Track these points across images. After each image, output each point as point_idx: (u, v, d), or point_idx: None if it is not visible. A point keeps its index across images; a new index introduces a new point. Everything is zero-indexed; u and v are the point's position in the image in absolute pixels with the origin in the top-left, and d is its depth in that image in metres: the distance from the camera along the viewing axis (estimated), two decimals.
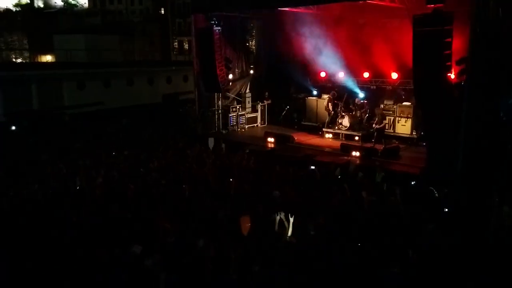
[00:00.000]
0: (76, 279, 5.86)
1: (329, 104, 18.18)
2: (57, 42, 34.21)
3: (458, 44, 11.58)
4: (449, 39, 11.25)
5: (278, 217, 7.20)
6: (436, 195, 9.75)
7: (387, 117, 16.51)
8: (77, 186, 10.53)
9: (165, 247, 6.76)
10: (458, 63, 11.54)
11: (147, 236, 7.25)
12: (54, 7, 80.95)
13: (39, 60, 45.82)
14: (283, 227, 7.30)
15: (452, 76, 11.81)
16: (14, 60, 49.15)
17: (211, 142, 13.96)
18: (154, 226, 7.68)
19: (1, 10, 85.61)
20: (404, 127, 16.32)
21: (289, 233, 6.95)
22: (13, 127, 22.19)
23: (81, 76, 28.00)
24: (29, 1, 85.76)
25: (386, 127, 16.15)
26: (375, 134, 15.52)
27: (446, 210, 8.89)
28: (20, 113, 24.08)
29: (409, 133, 16.19)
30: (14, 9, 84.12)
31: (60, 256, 6.69)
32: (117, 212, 8.54)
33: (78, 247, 6.89)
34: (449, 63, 11.43)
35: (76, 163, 12.85)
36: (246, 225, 6.20)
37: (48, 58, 46.07)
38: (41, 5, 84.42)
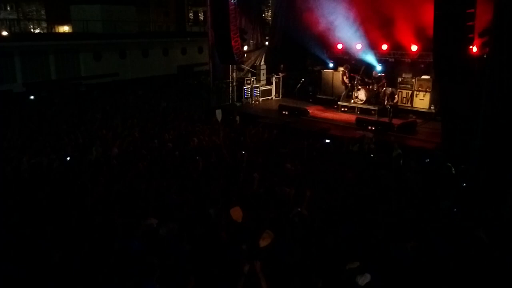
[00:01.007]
0: (92, 245, 5.97)
1: (345, 77, 17.91)
2: (74, 12, 34.11)
3: (482, 16, 11.17)
4: (472, 10, 10.83)
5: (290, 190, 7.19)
6: (453, 171, 9.63)
7: (404, 91, 16.27)
8: (93, 156, 10.66)
9: (179, 217, 6.83)
10: (481, 35, 11.15)
11: (161, 206, 7.33)
12: None
13: (57, 31, 45.94)
14: (295, 199, 7.32)
15: (474, 49, 11.44)
16: (32, 30, 49.36)
17: (218, 113, 13.80)
18: (168, 197, 7.76)
19: None
20: (422, 101, 16.01)
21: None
22: (31, 97, 22.47)
23: (97, 47, 28.03)
24: None
25: (402, 102, 16.08)
26: (389, 111, 15.35)
27: (464, 185, 8.78)
28: (38, 83, 24.34)
29: (427, 107, 15.89)
30: None
31: (78, 223, 6.82)
32: (131, 182, 8.64)
33: (95, 214, 7.02)
34: (471, 35, 11.04)
35: (93, 133, 13.01)
36: (237, 214, 6.15)
37: (65, 28, 46.15)
38: None
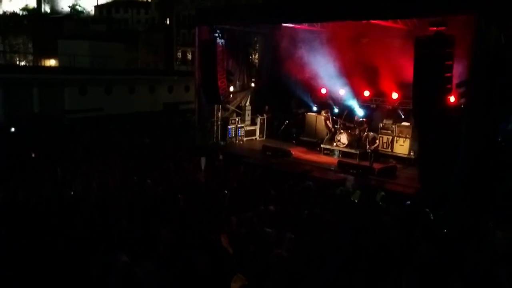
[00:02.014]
0: (67, 284, 5.81)
1: (328, 121, 18.26)
2: (61, 47, 34.41)
3: (459, 68, 11.67)
4: (450, 62, 11.34)
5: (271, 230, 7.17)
6: (431, 217, 9.73)
7: (385, 136, 16.62)
8: (72, 191, 10.49)
9: (158, 256, 6.72)
10: (458, 86, 11.60)
11: (141, 244, 7.21)
12: (60, 13, 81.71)
13: (43, 64, 46.08)
14: (275, 241, 7.29)
15: (452, 99, 11.86)
16: (17, 63, 49.44)
17: (202, 161, 13.72)
18: (148, 234, 7.65)
19: (8, 13, 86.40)
20: (402, 147, 16.33)
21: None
22: (13, 129, 22.19)
23: (83, 82, 28.11)
24: (36, 6, 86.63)
25: (383, 147, 16.42)
26: (370, 156, 15.62)
27: (444, 231, 8.87)
28: (20, 116, 24.09)
29: (406, 153, 16.20)
30: (20, 12, 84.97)
31: (53, 262, 6.64)
32: (112, 220, 8.50)
33: (71, 253, 6.84)
34: (449, 86, 11.49)
35: (73, 169, 12.85)
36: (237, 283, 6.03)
37: (52, 62, 46.35)
38: (48, 10, 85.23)
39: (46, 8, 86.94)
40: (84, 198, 9.98)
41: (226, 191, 10.44)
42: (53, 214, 8.84)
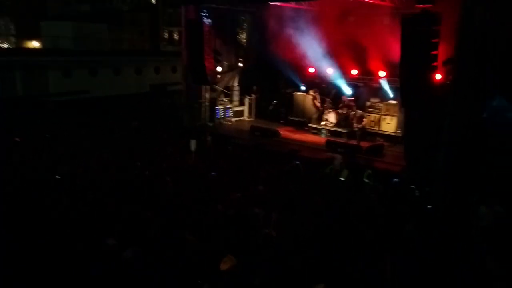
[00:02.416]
0: (53, 268, 5.80)
1: (315, 100, 18.24)
2: (44, 28, 33.61)
3: (445, 45, 11.66)
4: (436, 40, 11.31)
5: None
6: (417, 193, 9.87)
7: (372, 115, 16.66)
8: (57, 174, 10.40)
9: (145, 240, 6.72)
10: (445, 63, 11.61)
11: (128, 227, 7.20)
12: None
13: (26, 46, 45.13)
14: (264, 221, 7.34)
15: (438, 76, 11.89)
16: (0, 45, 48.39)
17: (193, 144, 13.58)
18: (136, 217, 7.63)
19: None
20: (389, 125, 16.42)
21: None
22: None
23: (67, 64, 27.61)
24: None
25: (370, 125, 16.47)
26: (358, 134, 15.70)
27: (429, 207, 9.00)
28: (3, 99, 23.68)
29: (394, 131, 16.30)
30: None
31: (37, 245, 6.61)
32: (98, 202, 8.46)
33: (56, 236, 6.81)
34: (435, 64, 11.50)
35: (59, 152, 12.72)
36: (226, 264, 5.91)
37: (35, 44, 45.39)
38: None
39: None
40: (70, 182, 9.89)
41: (213, 173, 10.43)
42: (38, 196, 8.77)
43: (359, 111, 16.95)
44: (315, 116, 18.12)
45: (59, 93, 26.35)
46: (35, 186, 9.57)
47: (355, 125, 16.55)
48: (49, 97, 25.94)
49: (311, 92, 18.59)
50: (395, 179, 11.02)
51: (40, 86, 26.11)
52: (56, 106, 24.71)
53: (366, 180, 11.10)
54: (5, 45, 48.48)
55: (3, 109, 21.84)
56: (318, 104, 18.27)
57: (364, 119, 16.69)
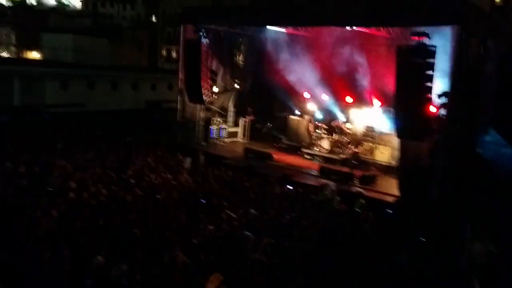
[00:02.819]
0: (41, 281, 5.72)
1: (310, 125, 18.35)
2: (45, 40, 33.80)
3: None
4: (430, 72, 11.52)
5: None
6: (410, 225, 9.86)
7: (366, 143, 16.75)
8: (50, 186, 10.33)
9: (133, 257, 6.67)
10: (440, 96, 11.77)
11: (117, 243, 7.14)
12: (46, 6, 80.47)
13: (25, 57, 45.25)
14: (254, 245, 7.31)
15: (433, 109, 12.03)
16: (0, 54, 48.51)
17: (188, 162, 13.55)
18: (125, 233, 7.58)
19: None
20: (383, 154, 16.47)
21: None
22: None
23: (64, 76, 27.65)
24: None
25: (364, 154, 16.53)
26: (351, 161, 15.74)
27: (422, 239, 8.97)
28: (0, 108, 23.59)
29: (387, 161, 16.35)
30: (6, 3, 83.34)
31: (26, 257, 6.54)
32: (88, 217, 8.40)
33: (46, 249, 6.74)
34: (429, 95, 11.67)
35: (52, 164, 12.63)
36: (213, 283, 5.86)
37: (35, 55, 45.54)
38: (34, 3, 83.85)
39: (32, 0, 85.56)
40: (63, 194, 9.82)
41: (203, 200, 10.30)
42: (30, 207, 8.69)
43: (360, 134, 16.94)
44: (308, 141, 18.19)
45: (55, 105, 26.30)
46: (26, 197, 9.50)
47: (350, 146, 16.56)
48: (45, 108, 25.87)
49: (306, 117, 18.71)
50: (388, 209, 11.04)
51: (37, 97, 26.07)
52: (51, 117, 24.63)
53: (357, 210, 11.08)
54: (5, 54, 48.57)
55: None
56: (312, 130, 18.36)
57: (358, 146, 16.68)
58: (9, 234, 7.34)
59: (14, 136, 17.05)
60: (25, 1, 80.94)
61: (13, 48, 51.13)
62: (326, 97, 18.29)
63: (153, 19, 63.00)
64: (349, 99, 17.62)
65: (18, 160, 12.78)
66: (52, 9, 75.52)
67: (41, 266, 6.13)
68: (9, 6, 76.33)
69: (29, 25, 52.69)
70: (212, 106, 19.78)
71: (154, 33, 56.67)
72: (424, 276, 7.21)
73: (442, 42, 11.64)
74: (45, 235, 7.34)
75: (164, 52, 55.15)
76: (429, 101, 11.70)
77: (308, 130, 18.46)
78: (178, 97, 19.09)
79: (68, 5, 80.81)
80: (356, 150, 16.71)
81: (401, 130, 12.41)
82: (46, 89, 26.74)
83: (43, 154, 13.87)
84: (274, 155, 17.11)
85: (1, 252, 6.57)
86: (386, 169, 16.01)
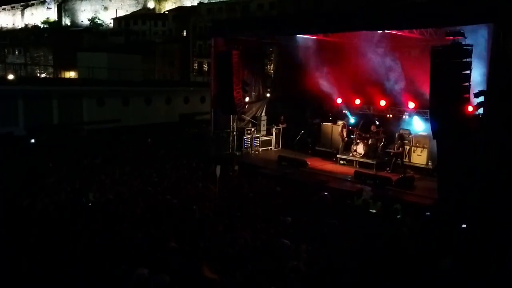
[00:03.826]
0: None
1: (343, 130, 18.15)
2: (80, 59, 35.05)
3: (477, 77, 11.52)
4: (467, 71, 11.20)
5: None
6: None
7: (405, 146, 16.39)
8: (89, 201, 10.61)
9: (173, 268, 6.72)
10: (476, 95, 11.43)
11: (156, 255, 7.22)
12: (80, 26, 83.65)
13: (63, 76, 47.03)
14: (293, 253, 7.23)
15: (470, 108, 11.68)
16: (38, 75, 50.57)
17: (218, 170, 13.63)
18: (163, 246, 7.66)
19: (30, 26, 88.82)
20: (420, 157, 16.09)
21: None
22: (32, 140, 22.57)
23: (100, 93, 28.54)
24: (56, 19, 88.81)
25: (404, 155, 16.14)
26: (392, 160, 15.38)
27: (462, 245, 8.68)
28: (39, 127, 24.53)
29: (424, 163, 15.95)
30: (41, 25, 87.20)
31: (70, 270, 6.70)
32: (127, 230, 8.56)
33: (89, 262, 6.90)
34: (466, 95, 11.34)
35: (91, 179, 12.99)
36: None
37: (71, 74, 47.28)
38: (68, 23, 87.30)
39: (66, 21, 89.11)
40: (102, 208, 10.07)
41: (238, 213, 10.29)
42: (70, 222, 8.94)
43: (401, 133, 16.55)
44: (342, 146, 17.99)
45: (92, 121, 27.13)
46: (67, 212, 9.79)
47: (392, 150, 16.22)
48: (82, 125, 26.73)
49: (339, 123, 18.52)
50: (427, 213, 10.74)
51: (75, 115, 26.98)
52: (88, 134, 25.41)
53: (394, 214, 10.83)
54: (43, 75, 50.64)
55: (39, 136, 22.63)
56: (346, 135, 18.15)
57: (402, 147, 16.20)
58: (51, 249, 7.54)
59: (54, 153, 17.66)
60: (61, 23, 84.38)
61: (50, 69, 53.22)
62: (358, 102, 18.07)
63: (184, 33, 64.27)
64: (382, 103, 17.34)
65: (59, 176, 13.23)
66: (86, 29, 78.43)
67: (83, 280, 6.26)
68: (44, 27, 79.77)
69: (65, 45, 54.86)
70: (245, 116, 19.90)
71: (185, 47, 57.83)
72: (468, 282, 6.93)
73: (478, 40, 11.34)
74: (85, 249, 7.52)
75: (196, 66, 56.12)
76: (467, 101, 11.37)
77: (341, 135, 18.26)
78: (211, 109, 19.30)
79: (101, 24, 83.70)
80: (394, 149, 16.27)
81: (439, 131, 12.07)
82: (83, 106, 27.64)
83: (82, 170, 14.29)
84: (308, 162, 17.00)
85: (44, 269, 6.75)
86: (424, 172, 15.65)
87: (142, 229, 8.55)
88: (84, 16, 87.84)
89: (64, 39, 60.70)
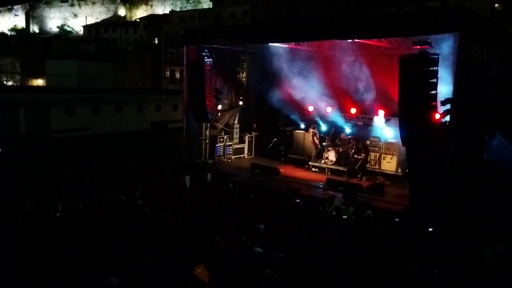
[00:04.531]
0: None
1: (315, 138, 18.34)
2: (49, 67, 34.35)
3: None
4: (434, 80, 11.50)
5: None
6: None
7: (372, 153, 16.66)
8: (58, 211, 10.34)
9: (146, 279, 6.60)
10: (443, 103, 11.75)
11: (128, 266, 7.09)
12: (49, 33, 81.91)
13: (30, 84, 45.91)
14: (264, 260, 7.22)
15: (437, 116, 11.99)
16: (5, 83, 49.22)
17: (187, 180, 13.57)
18: (136, 256, 7.53)
19: None
20: (389, 164, 16.39)
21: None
22: None
23: (70, 101, 27.97)
24: (24, 26, 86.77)
25: (369, 161, 16.40)
26: (359, 168, 15.61)
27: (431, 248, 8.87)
28: (6, 136, 23.79)
29: (394, 170, 16.25)
30: (9, 33, 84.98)
31: (38, 281, 6.52)
32: (98, 240, 8.37)
33: (58, 273, 6.72)
34: (434, 103, 11.64)
35: (60, 188, 12.68)
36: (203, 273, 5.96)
37: (39, 82, 46.20)
38: (37, 31, 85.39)
39: (34, 28, 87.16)
40: (71, 218, 9.83)
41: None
42: (38, 231, 8.69)
43: (364, 142, 16.85)
44: (314, 154, 18.14)
45: (61, 130, 26.51)
46: (35, 223, 9.50)
47: (356, 156, 16.47)
48: (51, 133, 26.09)
49: (311, 129, 18.69)
50: (396, 219, 10.93)
51: (43, 123, 26.31)
52: (57, 142, 24.82)
53: (365, 220, 10.99)
54: (10, 83, 49.29)
55: (6, 145, 21.95)
56: (318, 142, 18.33)
57: (365, 153, 16.50)
58: (18, 260, 7.31)
59: (21, 163, 17.16)
60: (28, 30, 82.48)
61: (17, 77, 51.91)
62: (330, 110, 18.33)
63: (156, 41, 63.85)
64: (353, 111, 17.64)
65: (26, 186, 12.85)
66: (55, 36, 76.86)
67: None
68: (12, 35, 77.80)
69: (33, 53, 53.59)
70: (218, 124, 19.85)
71: (157, 55, 57.42)
72: (438, 285, 7.08)
73: (444, 49, 11.69)
74: (55, 259, 7.32)
75: (168, 73, 55.74)
76: (434, 109, 11.66)
77: (313, 143, 18.43)
78: (183, 117, 19.17)
79: (71, 32, 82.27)
80: (360, 157, 16.54)
81: (408, 138, 12.34)
82: (51, 115, 27.00)
83: (50, 179, 13.93)
84: (281, 170, 17.07)
85: (12, 280, 6.53)
86: (394, 178, 15.94)
87: (113, 239, 8.37)
88: (53, 24, 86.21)
89: (32, 47, 59.30)
